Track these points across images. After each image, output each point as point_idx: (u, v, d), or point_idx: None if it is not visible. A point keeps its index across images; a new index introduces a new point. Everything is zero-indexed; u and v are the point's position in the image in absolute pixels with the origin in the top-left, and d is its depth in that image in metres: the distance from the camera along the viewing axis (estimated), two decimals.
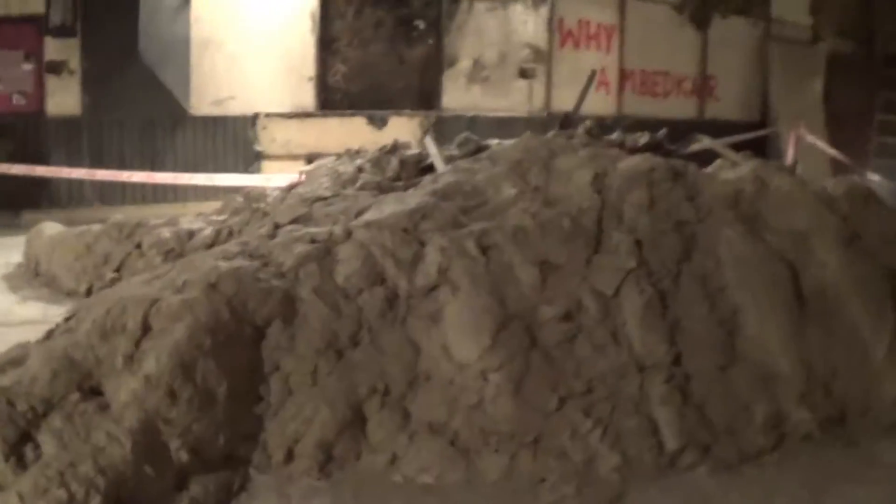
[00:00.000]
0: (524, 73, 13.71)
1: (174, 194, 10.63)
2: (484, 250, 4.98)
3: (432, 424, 4.58)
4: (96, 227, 7.52)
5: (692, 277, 5.22)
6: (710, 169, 6.13)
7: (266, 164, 11.49)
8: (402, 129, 11.86)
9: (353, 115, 12.29)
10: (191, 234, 6.99)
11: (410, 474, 4.46)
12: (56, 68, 10.40)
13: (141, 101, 10.67)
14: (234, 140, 11.40)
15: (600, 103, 14.12)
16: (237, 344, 4.48)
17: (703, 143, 7.20)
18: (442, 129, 11.63)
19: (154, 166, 10.53)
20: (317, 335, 4.62)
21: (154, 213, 8.66)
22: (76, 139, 10.54)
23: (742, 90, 15.78)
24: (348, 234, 5.02)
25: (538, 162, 5.54)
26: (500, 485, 4.45)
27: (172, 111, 11.01)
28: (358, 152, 7.63)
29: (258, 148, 11.49)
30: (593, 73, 7.76)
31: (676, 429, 4.71)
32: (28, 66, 10.30)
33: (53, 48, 10.43)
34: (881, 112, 15.05)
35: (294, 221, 5.41)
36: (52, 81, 10.46)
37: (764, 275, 5.29)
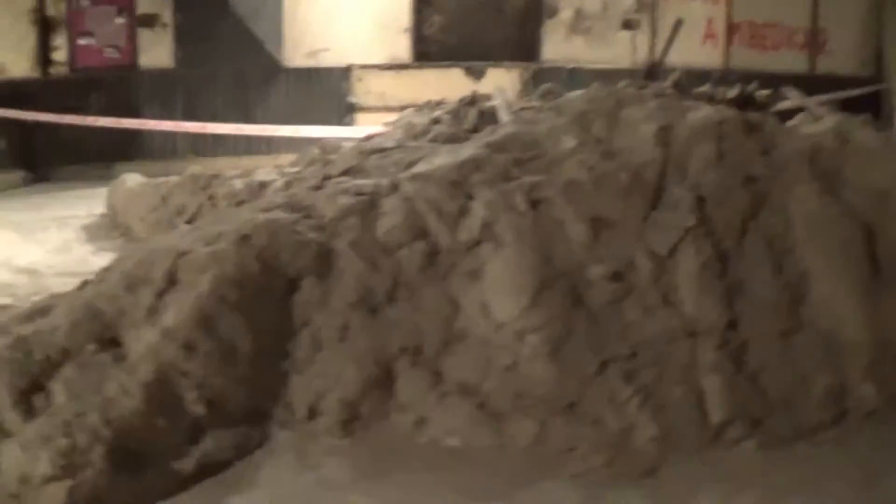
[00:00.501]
0: (628, 24, 13.13)
1: (267, 146, 10.67)
2: (534, 204, 4.77)
3: (464, 385, 4.45)
4: (173, 179, 7.62)
5: (759, 237, 4.90)
6: (792, 123, 5.73)
7: (360, 117, 11.45)
8: (501, 80, 11.40)
9: (449, 66, 12.11)
10: (263, 185, 6.98)
11: (437, 436, 4.36)
12: (148, 22, 10.59)
13: (233, 53, 10.78)
14: (328, 92, 11.40)
15: (707, 56, 13.51)
16: (266, 298, 4.44)
17: (791, 98, 6.72)
18: (541, 80, 11.05)
19: (247, 118, 10.60)
20: (350, 290, 4.53)
21: (243, 165, 8.72)
22: (169, 92, 10.74)
23: (856, 43, 14.70)
24: (395, 186, 4.89)
25: (603, 113, 5.26)
26: (529, 451, 4.30)
27: (265, 63, 11.09)
28: (439, 104, 7.44)
29: (352, 100, 11.47)
30: (678, 22, 7.33)
31: (724, 399, 4.45)
32: (121, 20, 10.50)
33: (146, 2, 10.61)
34: None
35: (345, 173, 5.30)
36: (144, 35, 10.65)
37: (837, 235, 4.92)
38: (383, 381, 4.43)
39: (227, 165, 8.54)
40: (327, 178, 5.20)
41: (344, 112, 11.44)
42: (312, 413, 4.37)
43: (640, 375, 4.49)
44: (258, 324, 4.36)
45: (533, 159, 5.01)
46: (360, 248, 4.63)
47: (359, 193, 4.88)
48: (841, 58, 14.53)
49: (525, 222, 4.71)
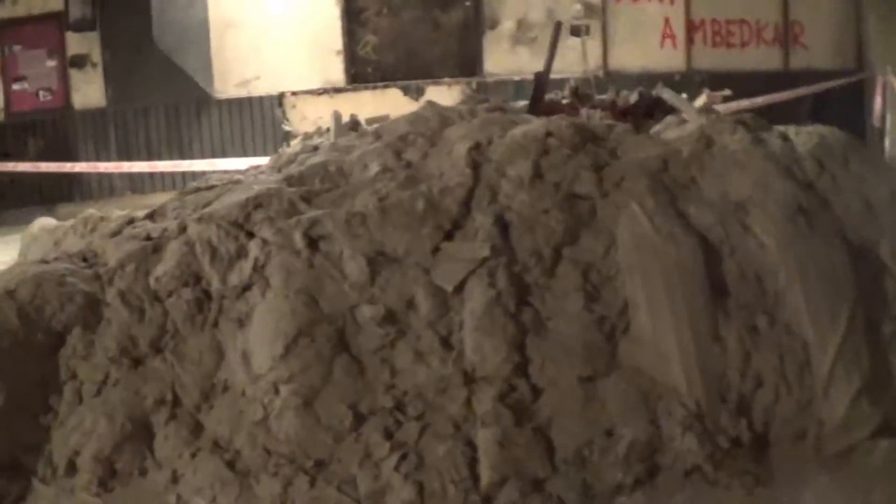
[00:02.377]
0: (576, 31, 12.36)
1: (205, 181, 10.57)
2: (313, 242, 4.44)
3: (217, 441, 4.20)
4: (69, 223, 7.61)
5: (573, 265, 4.34)
6: (657, 127, 5.04)
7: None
8: (442, 98, 10.84)
9: (386, 87, 11.86)
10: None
11: (186, 495, 4.11)
12: (79, 62, 10.87)
13: (163, 88, 10.86)
14: (263, 121, 11.26)
15: (666, 58, 12.76)
16: (26, 352, 4.35)
17: (664, 94, 5.89)
18: (485, 95, 10.67)
19: (182, 153, 10.66)
20: (113, 342, 4.38)
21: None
22: (103, 131, 10.94)
23: (835, 36, 13.51)
24: (183, 228, 4.69)
25: (424, 134, 4.83)
26: None
27: (196, 96, 11.09)
28: (327, 130, 7.02)
29: (287, 128, 11.24)
30: (558, 25, 6.60)
31: (497, 457, 3.96)
32: (52, 63, 10.81)
33: (75, 43, 10.82)
34: None
35: (148, 216, 5.11)
36: (76, 76, 10.91)
37: (667, 260, 4.28)
38: (140, 435, 4.25)
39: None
40: (131, 221, 5.06)
41: (280, 140, 11.21)
42: (70, 468, 4.25)
43: (403, 430, 4.07)
44: (16, 379, 4.30)
45: (328, 190, 4.67)
46: (129, 297, 4.46)
47: (147, 238, 4.72)
48: (818, 51, 13.41)
49: (298, 262, 4.39)
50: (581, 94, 6.17)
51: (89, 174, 10.77)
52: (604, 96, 6.31)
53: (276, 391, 4.16)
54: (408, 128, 4.90)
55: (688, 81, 11.93)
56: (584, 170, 4.52)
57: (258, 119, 11.57)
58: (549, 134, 4.60)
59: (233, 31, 11.44)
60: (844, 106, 11.80)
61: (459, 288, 4.27)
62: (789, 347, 4.24)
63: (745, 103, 10.14)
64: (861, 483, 4.04)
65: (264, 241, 4.46)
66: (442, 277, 4.29)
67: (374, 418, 4.08)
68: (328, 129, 6.37)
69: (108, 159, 10.52)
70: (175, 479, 4.15)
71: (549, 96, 6.26)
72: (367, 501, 3.96)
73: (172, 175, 10.55)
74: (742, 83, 10.42)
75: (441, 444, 4.01)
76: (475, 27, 12.52)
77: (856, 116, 11.94)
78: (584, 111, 5.77)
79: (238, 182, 5.29)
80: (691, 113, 5.30)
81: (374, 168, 4.68)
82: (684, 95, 6.06)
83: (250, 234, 4.55)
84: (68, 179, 10.82)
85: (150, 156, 10.56)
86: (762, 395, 4.19)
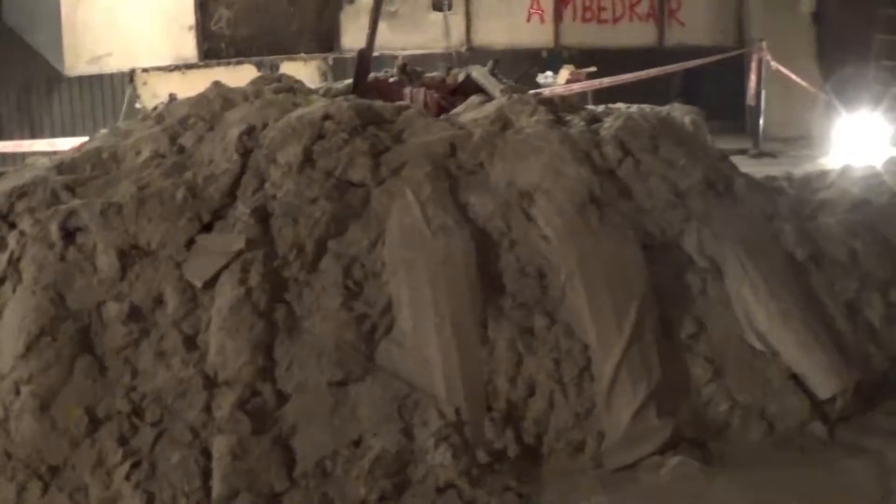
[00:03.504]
0: (438, 5, 12.06)
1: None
2: (69, 234, 4.16)
3: None
4: None
5: (336, 259, 4.02)
6: (460, 108, 4.68)
7: None
8: (298, 74, 10.48)
9: (239, 62, 11.50)
10: None
11: None
12: None
13: (12, 65, 10.43)
14: (114, 99, 10.86)
15: (534, 34, 12.37)
16: None
17: (473, 73, 5.49)
18: (343, 71, 10.41)
19: (33, 131, 10.29)
20: None
21: None
22: None
23: (712, 11, 13.04)
24: None
25: (205, 117, 4.52)
26: None
27: (46, 73, 10.69)
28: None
29: (139, 105, 10.75)
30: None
31: (229, 468, 3.66)
32: None
33: None
34: (882, 32, 11.22)
35: None
36: None
37: (434, 254, 3.93)
38: None
39: None
40: None
41: (132, 118, 10.79)
42: None
43: (138, 437, 3.78)
44: None
45: (96, 178, 4.37)
46: None
47: None
48: (695, 27, 12.93)
49: (50, 255, 4.11)
50: (410, 72, 5.81)
51: None
52: (434, 73, 5.94)
53: (17, 392, 3.89)
54: (188, 110, 4.60)
55: (556, 58, 11.65)
56: (360, 155, 4.19)
57: (109, 96, 11.17)
58: (326, 117, 4.29)
59: (84, 7, 11.05)
60: (722, 84, 11.39)
61: (211, 283, 3.97)
62: (568, 351, 3.90)
63: (607, 80, 9.79)
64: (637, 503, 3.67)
65: (21, 233, 4.19)
66: (193, 272, 4.00)
67: (111, 423, 3.82)
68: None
69: None
70: None
71: (377, 74, 5.93)
72: None
73: (14, 156, 10.21)
74: (614, 59, 10.15)
75: (176, 451, 3.73)
76: (333, 1, 12.10)
77: (735, 97, 11.59)
78: (408, 90, 5.41)
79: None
80: (496, 93, 4.92)
81: (145, 154, 4.41)
82: (550, 73, 5.69)
83: (12, 226, 4.28)
84: None
85: (2, 135, 10.30)
86: (535, 404, 3.87)
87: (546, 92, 7.97)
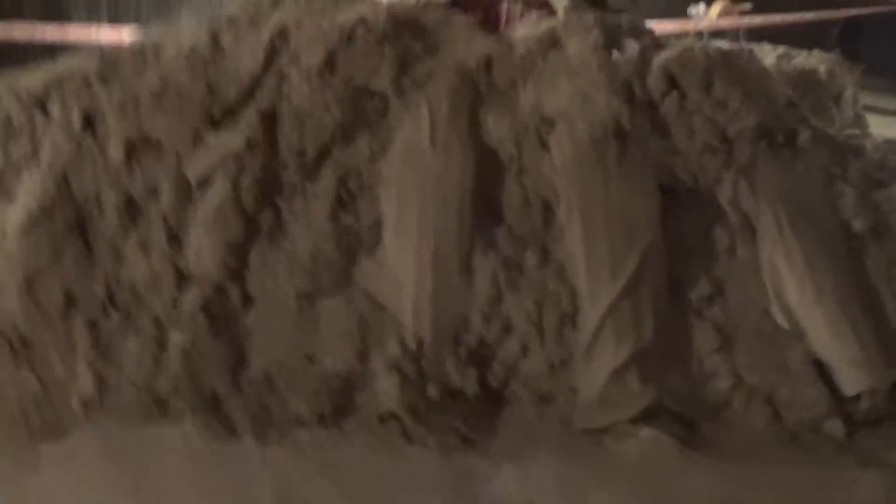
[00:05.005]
0: None
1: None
2: (89, 121, 4.17)
3: None
4: None
5: (336, 168, 3.85)
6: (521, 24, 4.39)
7: None
8: None
9: None
10: None
11: None
12: None
13: None
14: None
15: None
16: None
17: None
18: None
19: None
20: None
21: None
22: None
23: None
24: None
25: (252, 15, 4.40)
26: None
27: None
28: None
29: None
30: None
31: (175, 364, 3.63)
32: None
33: None
34: None
35: None
36: None
37: (429, 173, 3.67)
38: None
39: None
40: None
41: None
42: None
43: (107, 322, 3.77)
44: None
45: (131, 70, 4.36)
46: None
47: None
48: None
49: (67, 141, 4.14)
50: None
51: None
52: None
53: (10, 267, 3.96)
54: (238, 8, 4.52)
55: None
56: (385, 64, 3.97)
57: None
58: (360, 21, 4.08)
59: None
60: (886, 38, 10.01)
61: (206, 181, 3.88)
62: (554, 294, 3.55)
63: (759, 20, 8.81)
64: (593, 475, 3.28)
65: (49, 118, 4.26)
66: (191, 168, 3.92)
67: (85, 307, 3.81)
68: None
69: None
70: None
71: None
72: (54, 390, 3.72)
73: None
74: None
75: (136, 342, 3.71)
76: None
77: None
78: (505, 4, 5.06)
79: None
80: (560, 10, 4.52)
81: (184, 49, 4.31)
82: (703, 5, 5.20)
83: (44, 110, 4.36)
84: None
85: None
86: (507, 346, 3.55)
87: (693, 26, 7.46)
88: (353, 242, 3.72)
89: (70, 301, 3.82)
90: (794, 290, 3.55)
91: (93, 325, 3.77)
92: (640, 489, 3.24)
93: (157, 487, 3.36)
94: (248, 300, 3.70)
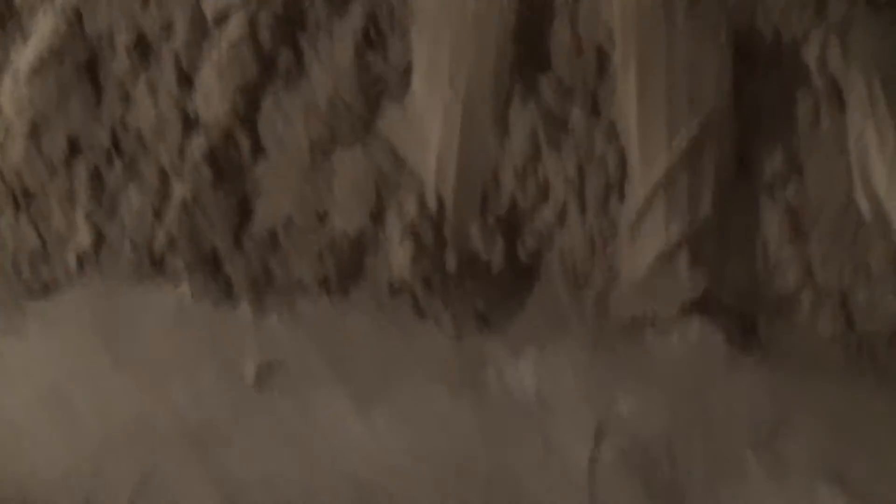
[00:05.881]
0: None
1: None
2: None
3: None
4: None
5: (366, 5, 3.37)
6: None
7: None
8: None
9: None
10: None
11: None
12: None
13: None
14: None
15: None
16: None
17: None
18: None
19: None
20: None
21: None
22: None
23: None
24: None
25: None
26: None
27: None
28: None
29: None
30: None
31: (175, 218, 3.34)
32: None
33: None
34: None
35: None
36: None
37: (462, 12, 3.21)
38: None
39: None
40: None
41: None
42: None
43: (110, 172, 3.49)
44: None
45: None
46: None
47: None
48: None
49: None
50: None
51: None
52: None
53: (18, 114, 3.68)
54: None
55: None
56: None
57: None
58: None
59: None
60: None
61: (223, 17, 3.49)
62: (601, 157, 3.07)
63: None
64: (625, 373, 2.86)
65: None
66: (208, 2, 3.53)
67: (90, 155, 3.52)
68: None
69: None
70: None
71: None
72: (52, 244, 3.52)
73: None
74: None
75: (139, 196, 3.43)
76: None
77: None
78: None
79: None
80: None
81: None
82: None
83: None
84: None
85: None
86: (542, 214, 3.09)
87: None
88: (379, 87, 3.28)
89: (74, 148, 3.54)
90: (883, 176, 3.00)
91: (96, 175, 3.50)
92: (676, 394, 2.80)
93: (143, 356, 3.10)
94: (257, 150, 3.33)
